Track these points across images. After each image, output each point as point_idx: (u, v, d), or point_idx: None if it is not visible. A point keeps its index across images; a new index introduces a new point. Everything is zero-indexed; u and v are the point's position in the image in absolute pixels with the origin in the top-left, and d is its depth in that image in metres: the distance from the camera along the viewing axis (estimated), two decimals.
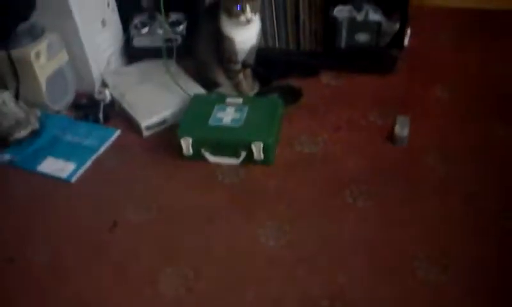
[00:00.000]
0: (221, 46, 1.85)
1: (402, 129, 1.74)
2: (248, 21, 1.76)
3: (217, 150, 1.70)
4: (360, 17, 2.01)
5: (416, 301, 1.30)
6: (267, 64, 2.07)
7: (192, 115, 1.79)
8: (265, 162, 1.69)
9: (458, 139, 1.73)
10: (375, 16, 2.00)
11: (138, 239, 1.53)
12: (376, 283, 1.34)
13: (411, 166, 1.66)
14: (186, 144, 1.70)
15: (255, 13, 1.77)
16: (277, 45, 2.17)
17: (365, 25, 2.01)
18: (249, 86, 1.97)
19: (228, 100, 1.81)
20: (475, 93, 1.91)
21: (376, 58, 2.05)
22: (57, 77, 1.96)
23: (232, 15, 1.75)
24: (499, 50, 2.12)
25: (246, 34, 1.81)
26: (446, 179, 1.60)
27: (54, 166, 1.77)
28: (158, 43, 2.07)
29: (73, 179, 1.74)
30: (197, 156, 1.72)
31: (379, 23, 1.99)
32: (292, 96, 1.96)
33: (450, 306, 1.29)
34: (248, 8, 1.73)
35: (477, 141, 1.72)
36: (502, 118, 1.78)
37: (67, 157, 1.80)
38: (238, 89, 1.94)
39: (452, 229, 1.45)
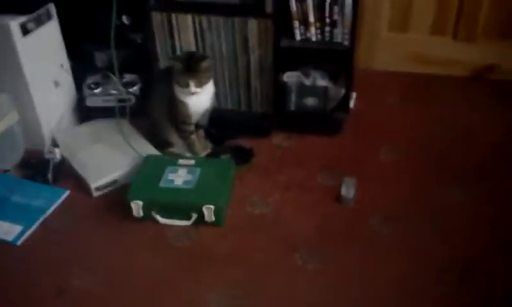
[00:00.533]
0: (175, 108, 1.88)
1: (348, 190, 1.80)
2: (194, 94, 1.82)
3: (168, 212, 1.71)
4: (308, 82, 2.11)
5: None
6: (219, 124, 2.13)
7: (144, 176, 1.79)
8: (216, 224, 1.70)
9: (401, 202, 1.80)
10: (322, 81, 2.10)
11: (85, 305, 1.49)
12: None
13: (358, 227, 1.71)
14: (136, 207, 1.70)
15: (201, 86, 1.83)
16: (229, 106, 2.23)
17: (313, 90, 2.10)
18: (202, 147, 2.00)
19: (180, 161, 1.84)
20: (417, 155, 2.01)
21: (324, 121, 2.14)
22: (6, 136, 1.94)
23: (181, 86, 1.81)
24: (440, 113, 2.26)
25: (199, 99, 1.86)
26: (391, 241, 1.65)
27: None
28: (111, 103, 2.10)
29: (19, 242, 1.69)
30: (148, 217, 1.72)
31: (325, 88, 2.10)
32: (244, 156, 2.01)
33: None
34: (192, 84, 1.79)
35: (419, 203, 1.79)
36: (441, 180, 1.87)
37: (13, 219, 1.76)
38: (191, 150, 1.97)
39: (397, 291, 1.49)
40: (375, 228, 1.70)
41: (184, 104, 1.85)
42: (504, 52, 2.37)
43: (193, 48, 2.11)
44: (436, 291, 1.49)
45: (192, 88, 1.80)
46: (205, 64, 1.81)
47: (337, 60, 2.09)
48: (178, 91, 1.84)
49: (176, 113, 1.89)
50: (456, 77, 2.45)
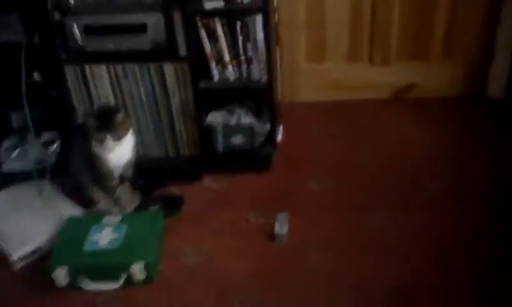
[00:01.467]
0: (95, 164, 1.82)
1: (281, 227, 1.79)
2: (111, 149, 1.77)
3: (96, 276, 1.63)
4: (233, 121, 2.10)
5: None
6: (147, 174, 2.07)
7: (67, 240, 1.71)
8: (147, 281, 1.64)
9: (334, 231, 1.81)
10: (247, 119, 2.10)
11: None
12: None
13: (293, 264, 1.69)
14: (61, 274, 1.61)
15: (119, 139, 1.78)
16: (156, 153, 2.19)
17: (239, 129, 2.10)
18: (129, 199, 1.94)
19: (105, 219, 1.76)
20: (346, 183, 2.03)
21: (252, 158, 2.14)
22: None
23: (98, 142, 1.76)
24: (364, 138, 2.31)
25: (119, 152, 1.80)
26: (328, 274, 1.64)
27: None
28: (29, 166, 2.00)
29: None
30: (74, 285, 1.63)
31: (251, 125, 2.10)
32: (174, 205, 1.96)
33: None
34: (109, 138, 1.74)
35: (351, 230, 1.81)
36: (373, 206, 1.90)
37: None
38: (118, 204, 1.90)
39: None
40: (311, 263, 1.69)
41: (103, 160, 1.79)
42: (418, 71, 2.47)
43: (111, 98, 2.06)
44: None
45: (110, 143, 1.74)
46: (119, 117, 1.76)
47: (258, 96, 2.11)
48: (96, 147, 1.77)
49: (96, 169, 1.82)
50: (377, 100, 2.52)
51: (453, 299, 1.53)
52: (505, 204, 1.86)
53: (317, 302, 1.56)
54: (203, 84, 2.03)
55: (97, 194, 1.90)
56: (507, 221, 1.78)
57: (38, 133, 2.08)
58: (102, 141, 1.74)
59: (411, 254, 1.68)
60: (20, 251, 1.75)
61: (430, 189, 1.96)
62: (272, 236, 1.79)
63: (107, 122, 1.74)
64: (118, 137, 1.76)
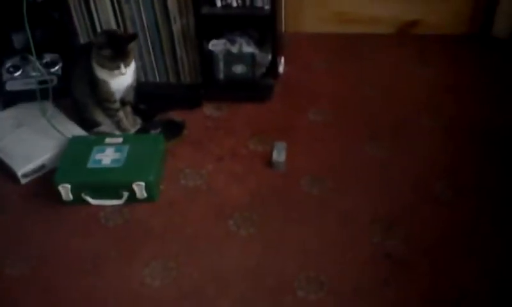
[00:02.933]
0: (97, 88, 1.83)
1: (279, 155, 1.83)
2: (123, 74, 1.78)
3: (98, 193, 1.68)
4: (234, 50, 2.10)
5: None
6: (148, 99, 2.09)
7: (70, 159, 1.75)
8: (149, 199, 1.69)
9: (330, 161, 1.85)
10: (248, 48, 2.10)
11: (18, 293, 1.47)
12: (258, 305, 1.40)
13: (289, 190, 1.75)
14: (65, 190, 1.66)
15: (130, 64, 1.79)
16: (157, 79, 2.20)
17: (240, 57, 2.10)
18: (131, 123, 1.97)
19: (108, 140, 1.80)
20: (346, 116, 2.06)
21: (253, 88, 2.14)
22: None
23: (106, 68, 1.76)
24: (366, 71, 2.31)
25: (120, 77, 1.81)
26: (321, 200, 1.70)
27: None
28: (32, 85, 2.01)
29: None
30: (78, 200, 1.69)
31: (252, 55, 2.09)
32: (175, 129, 1.99)
33: None
34: (122, 66, 1.75)
35: (348, 161, 1.85)
36: (371, 137, 1.93)
37: None
38: (119, 127, 1.93)
39: (328, 249, 1.55)
40: (306, 189, 1.74)
41: (105, 83, 1.81)
42: (424, 6, 2.43)
43: (112, 21, 2.05)
44: (364, 242, 1.55)
45: (123, 70, 1.76)
46: (132, 45, 1.78)
47: (261, 25, 2.09)
48: (99, 71, 1.78)
49: (98, 92, 1.84)
50: (381, 35, 2.50)
51: (437, 229, 1.59)
52: (501, 141, 1.89)
53: (307, 223, 1.63)
54: (205, 10, 2.01)
55: (99, 117, 1.93)
56: (501, 158, 1.82)
57: (39, 55, 2.07)
58: (115, 69, 1.75)
59: (402, 186, 1.73)
60: (24, 167, 1.80)
61: (429, 124, 1.98)
62: (269, 164, 1.84)
63: (122, 51, 1.74)
64: (129, 64, 1.78)
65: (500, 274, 1.45)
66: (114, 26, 2.06)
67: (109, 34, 1.78)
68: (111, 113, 1.90)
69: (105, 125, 1.94)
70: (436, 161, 1.82)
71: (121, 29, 2.06)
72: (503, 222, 1.60)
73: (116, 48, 1.74)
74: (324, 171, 1.80)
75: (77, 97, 1.91)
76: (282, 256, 1.53)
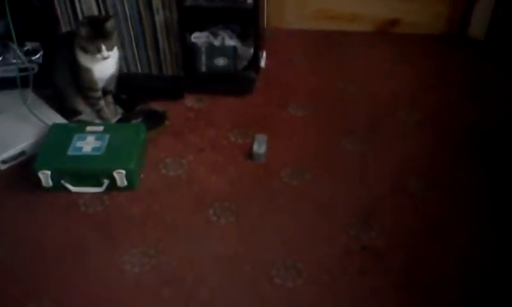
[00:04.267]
0: (79, 76, 1.83)
1: (259, 147, 1.86)
2: (105, 58, 1.78)
3: (79, 180, 1.69)
4: (217, 43, 2.12)
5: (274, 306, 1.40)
6: (131, 89, 2.10)
7: (51, 146, 1.75)
8: (130, 187, 1.70)
9: (309, 154, 1.88)
10: (230, 41, 2.12)
11: None
12: (237, 294, 1.43)
13: (268, 181, 1.77)
14: (45, 177, 1.66)
15: (112, 49, 1.79)
16: (139, 70, 2.20)
17: (222, 50, 2.12)
18: (112, 113, 1.97)
19: (88, 128, 1.80)
20: (325, 111, 2.09)
21: (235, 81, 2.17)
22: None
23: (88, 52, 1.76)
24: (345, 68, 2.35)
25: (104, 64, 1.81)
26: (300, 191, 1.73)
27: None
28: (12, 73, 2.00)
29: None
30: (58, 187, 1.69)
31: (234, 48, 2.12)
32: (156, 120, 2.00)
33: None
34: (104, 48, 1.75)
35: (327, 154, 1.88)
36: (349, 132, 1.97)
37: None
38: (100, 116, 1.93)
39: (306, 239, 1.58)
40: (285, 181, 1.77)
41: (88, 70, 1.81)
42: (404, 6, 2.49)
43: (95, 9, 2.04)
44: (341, 233, 1.59)
45: (105, 53, 1.76)
46: (111, 24, 1.77)
47: (244, 19, 2.11)
48: (83, 58, 1.78)
49: (80, 80, 1.84)
50: (361, 33, 2.55)
51: (412, 222, 1.64)
52: (475, 138, 1.95)
53: (286, 214, 1.66)
54: (188, 2, 2.02)
55: (80, 105, 1.92)
56: (474, 154, 1.88)
57: (21, 43, 2.06)
58: (96, 51, 1.75)
59: (378, 179, 1.77)
60: (4, 153, 1.79)
61: (405, 120, 2.04)
62: (250, 156, 1.86)
63: (101, 30, 1.74)
64: (111, 46, 1.78)
65: (471, 263, 1.50)
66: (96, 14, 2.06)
67: (87, 17, 1.84)
68: (92, 102, 1.90)
69: (86, 114, 1.94)
70: (411, 156, 1.87)
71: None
72: (474, 214, 1.65)
73: (96, 28, 1.74)
74: (304, 163, 1.84)
75: (58, 85, 1.91)
76: (260, 245, 1.56)
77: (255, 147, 1.86)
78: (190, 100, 2.14)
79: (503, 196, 1.71)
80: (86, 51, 1.77)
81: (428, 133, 1.98)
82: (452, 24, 2.52)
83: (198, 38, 2.11)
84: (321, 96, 2.18)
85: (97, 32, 1.74)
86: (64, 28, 2.09)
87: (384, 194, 1.72)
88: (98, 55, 1.76)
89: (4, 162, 1.79)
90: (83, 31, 1.74)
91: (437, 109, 2.10)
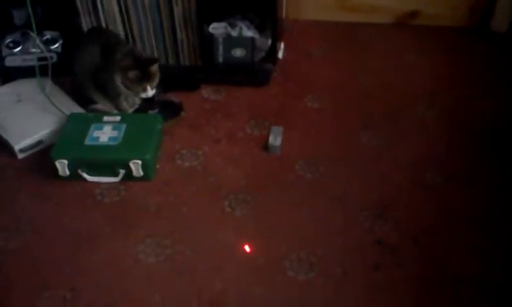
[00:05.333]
0: (113, 92, 1.86)
1: (275, 139, 1.85)
2: (148, 95, 1.83)
3: (95, 170, 1.70)
4: (234, 33, 2.11)
5: (286, 298, 1.40)
6: None
7: (68, 135, 1.76)
8: (145, 178, 1.71)
9: (325, 147, 1.87)
10: (248, 32, 2.11)
11: (11, 267, 1.49)
12: (251, 285, 1.43)
13: (284, 173, 1.77)
14: (62, 166, 1.68)
15: (156, 85, 1.84)
16: None
17: (240, 41, 2.11)
18: (129, 103, 1.98)
19: (106, 118, 1.81)
20: (342, 103, 2.07)
21: (252, 72, 2.16)
22: None
23: (132, 90, 1.81)
24: (364, 61, 2.32)
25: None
26: (314, 184, 1.72)
27: None
28: (32, 62, 2.02)
29: None
30: (75, 176, 1.70)
31: (252, 39, 2.10)
32: (173, 111, 2.00)
33: (317, 301, 1.40)
34: (149, 88, 1.80)
35: (342, 147, 1.87)
36: (365, 125, 1.95)
37: None
38: (117, 107, 1.94)
39: (319, 232, 1.57)
40: (300, 173, 1.76)
41: (127, 96, 1.88)
42: None
43: (113, 1, 2.05)
44: (355, 227, 1.58)
45: (150, 92, 1.81)
46: (156, 67, 1.81)
47: (262, 10, 2.10)
48: (124, 89, 1.82)
49: (112, 94, 1.87)
50: (380, 24, 2.52)
51: (427, 217, 1.61)
52: (494, 133, 1.91)
53: (300, 206, 1.65)
54: None
55: (97, 97, 1.94)
56: (493, 149, 1.84)
57: (40, 32, 2.08)
58: (142, 91, 1.80)
59: (393, 173, 1.75)
60: (21, 142, 1.81)
61: (423, 114, 2.00)
62: (265, 148, 1.86)
63: (147, 73, 1.78)
64: (156, 84, 1.83)
65: (488, 260, 1.48)
66: (115, 6, 2.07)
67: (135, 57, 1.81)
68: (113, 98, 1.90)
69: (103, 103, 1.95)
70: (429, 150, 1.84)
71: (123, 8, 2.07)
72: (492, 210, 1.63)
73: (143, 71, 1.77)
74: (319, 156, 1.82)
75: (78, 76, 1.92)
76: (274, 237, 1.56)
77: (271, 139, 1.85)
78: (207, 91, 2.14)
79: None
80: (130, 89, 1.81)
81: (446, 127, 1.95)
82: (473, 16, 2.46)
83: (216, 28, 2.10)
84: (339, 88, 2.16)
85: (144, 76, 1.77)
86: (84, 18, 2.10)
87: (400, 187, 1.70)
88: (143, 94, 1.81)
89: (21, 150, 1.82)
90: (131, 74, 1.76)
91: (456, 102, 2.06)
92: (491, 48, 2.38)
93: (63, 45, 2.13)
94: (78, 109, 1.93)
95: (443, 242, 1.54)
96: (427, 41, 2.43)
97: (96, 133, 1.75)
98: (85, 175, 1.70)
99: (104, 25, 2.11)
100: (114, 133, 1.75)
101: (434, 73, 2.23)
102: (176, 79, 2.17)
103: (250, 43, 2.11)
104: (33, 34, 1.98)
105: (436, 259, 1.49)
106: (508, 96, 2.10)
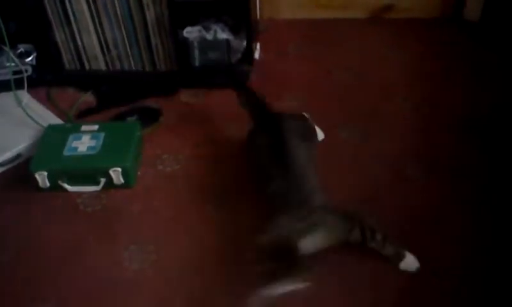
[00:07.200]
0: None
1: None
2: None
3: (76, 180, 1.69)
4: (209, 37, 2.11)
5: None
6: (125, 87, 2.10)
7: (46, 147, 1.75)
8: (126, 185, 1.71)
9: None
10: (223, 34, 2.11)
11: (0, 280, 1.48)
12: (237, 287, 1.42)
13: None
14: (42, 178, 1.67)
15: None
16: (133, 67, 2.20)
17: (215, 44, 2.11)
18: None
19: (83, 127, 1.80)
20: (320, 100, 2.09)
21: (229, 74, 2.16)
22: None
23: None
24: (341, 57, 2.34)
25: None
26: None
27: None
28: (7, 76, 2.01)
29: None
30: (56, 187, 1.69)
31: (227, 41, 2.11)
32: (151, 116, 2.00)
33: None
34: None
35: (320, 144, 1.85)
36: (345, 121, 1.96)
37: None
38: None
39: None
40: None
41: None
42: None
43: (86, 10, 2.04)
44: None
45: None
46: None
47: (236, 12, 2.11)
48: None
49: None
50: (356, 20, 2.53)
51: (410, 209, 1.62)
52: (471, 123, 1.93)
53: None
54: None
55: None
56: (471, 140, 1.86)
57: (13, 46, 2.06)
58: None
59: (374, 168, 1.76)
60: (0, 157, 1.79)
61: (402, 107, 2.02)
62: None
63: None
64: None
65: (470, 249, 1.50)
66: (87, 16, 2.06)
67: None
68: None
69: None
70: (408, 144, 1.86)
71: (95, 18, 2.06)
72: (473, 202, 1.64)
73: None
74: None
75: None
76: (249, 239, 1.54)
77: None
78: (185, 95, 2.14)
79: (503, 178, 1.70)
80: None
81: (425, 120, 1.96)
82: (447, 7, 2.50)
83: (190, 32, 2.10)
84: (316, 85, 2.17)
85: None
86: (57, 30, 2.09)
87: (381, 182, 1.71)
88: None
89: (1, 165, 1.80)
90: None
91: (433, 93, 2.09)
92: (465, 38, 2.41)
93: (37, 58, 2.11)
94: (55, 121, 1.92)
95: (426, 234, 1.54)
96: (402, 34, 2.45)
97: (74, 144, 1.74)
98: (66, 186, 1.69)
99: (77, 36, 2.10)
100: (93, 143, 1.74)
101: (410, 66, 2.26)
102: (154, 85, 2.17)
103: (225, 46, 2.12)
104: (7, 49, 1.97)
105: (422, 251, 1.48)
106: (484, 83, 2.13)
